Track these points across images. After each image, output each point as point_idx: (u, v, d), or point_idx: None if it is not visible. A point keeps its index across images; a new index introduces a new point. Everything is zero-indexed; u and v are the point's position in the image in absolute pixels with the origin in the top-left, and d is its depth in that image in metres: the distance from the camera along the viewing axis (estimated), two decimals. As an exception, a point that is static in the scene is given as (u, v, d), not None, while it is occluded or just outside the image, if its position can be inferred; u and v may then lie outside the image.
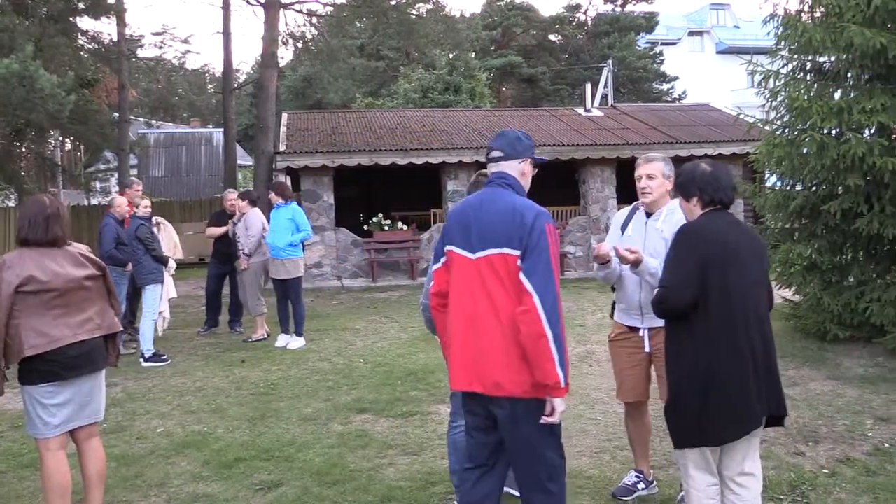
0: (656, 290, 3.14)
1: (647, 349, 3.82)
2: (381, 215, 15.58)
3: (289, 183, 13.19)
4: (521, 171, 3.13)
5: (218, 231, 9.57)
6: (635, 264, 3.59)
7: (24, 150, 21.05)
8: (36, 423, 3.58)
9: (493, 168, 3.15)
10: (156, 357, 7.90)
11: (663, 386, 3.52)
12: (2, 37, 12.75)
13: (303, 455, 4.87)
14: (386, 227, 15.34)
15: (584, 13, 40.11)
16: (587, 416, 5.53)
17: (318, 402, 6.19)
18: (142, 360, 7.94)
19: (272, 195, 8.80)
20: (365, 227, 15.61)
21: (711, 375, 2.98)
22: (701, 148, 15.27)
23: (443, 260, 3.13)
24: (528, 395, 2.86)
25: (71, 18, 17.10)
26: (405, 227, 15.52)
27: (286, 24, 18.89)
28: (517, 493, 3.17)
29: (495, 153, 3.13)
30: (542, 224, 2.87)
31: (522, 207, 2.94)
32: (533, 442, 2.91)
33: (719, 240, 3.06)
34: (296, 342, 8.58)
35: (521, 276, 2.83)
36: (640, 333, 3.85)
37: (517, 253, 2.86)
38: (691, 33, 48.56)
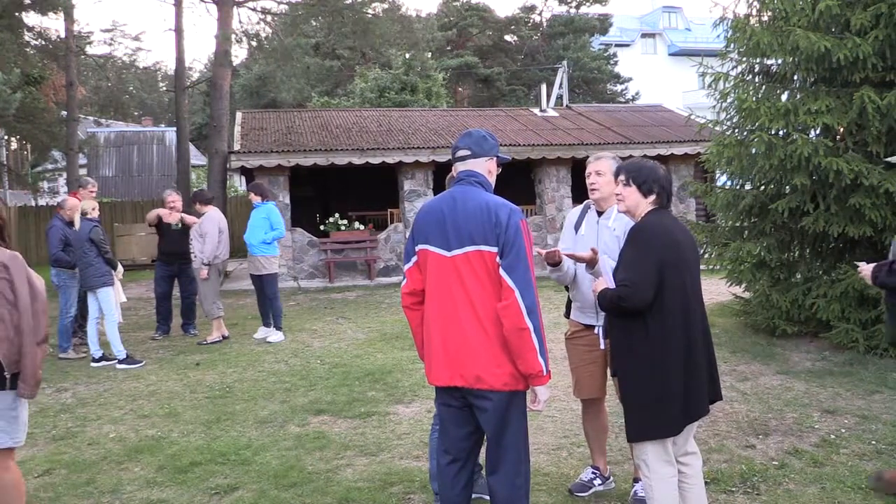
0: (611, 288, 3.18)
1: (602, 346, 3.87)
2: (337, 215, 15.49)
3: (244, 183, 13.04)
4: (487, 168, 3.20)
5: (153, 214, 9.23)
6: (591, 264, 3.63)
7: (-33, 149, 20.43)
8: None
9: (460, 167, 3.19)
10: (130, 359, 7.75)
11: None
12: (-57, 32, 12.36)
13: (259, 458, 4.82)
14: (343, 227, 15.27)
15: (540, 14, 40.48)
16: (544, 414, 5.57)
17: (275, 404, 6.13)
18: (92, 363, 7.78)
19: (251, 195, 9.13)
20: (321, 228, 15.51)
21: (667, 369, 3.07)
22: (654, 148, 15.54)
23: (414, 259, 3.18)
24: (508, 388, 2.98)
25: (17, 14, 16.63)
26: (362, 227, 15.46)
27: (240, 22, 18.71)
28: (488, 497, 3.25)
29: (462, 152, 3.18)
30: (516, 221, 2.97)
31: (496, 205, 3.01)
32: (508, 434, 3.03)
33: (671, 238, 3.16)
34: (275, 335, 8.88)
35: (502, 273, 2.93)
36: (596, 331, 3.90)
37: (495, 250, 2.95)
38: (644, 35, 49.38)
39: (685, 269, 3.16)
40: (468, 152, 3.17)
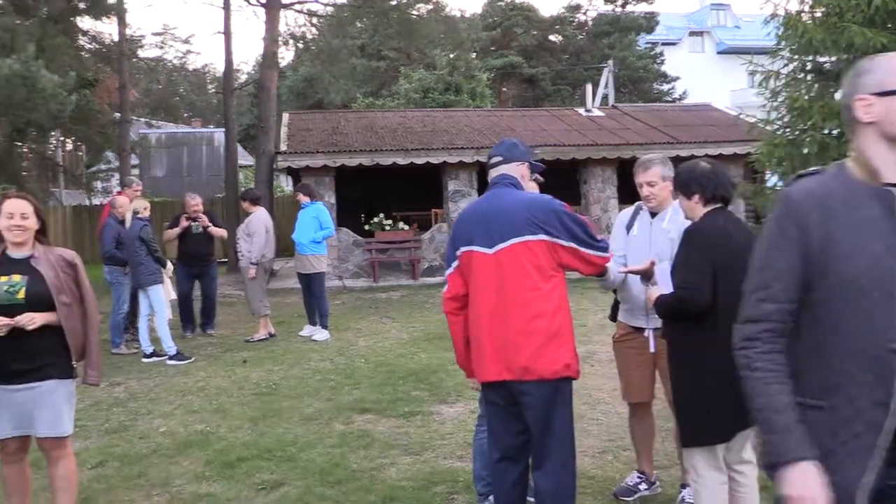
0: (668, 294, 3.12)
1: (652, 349, 3.81)
2: (382, 215, 15.58)
3: (290, 183, 13.20)
4: (520, 173, 3.34)
5: (174, 232, 9.29)
6: (647, 276, 3.52)
7: (25, 150, 21.06)
8: None
9: (494, 172, 3.36)
10: (180, 356, 7.91)
11: (669, 386, 3.52)
12: (3, 37, 12.76)
13: (305, 455, 4.88)
14: (387, 228, 15.35)
15: (585, 13, 40.13)
16: (589, 417, 5.53)
17: (320, 401, 6.19)
18: (143, 358, 7.97)
19: (300, 195, 9.27)
20: (366, 228, 15.61)
21: (721, 374, 2.99)
22: (702, 148, 15.26)
23: (455, 264, 3.27)
24: (556, 376, 3.06)
25: (72, 18, 17.11)
26: (406, 228, 15.52)
27: (287, 24, 18.86)
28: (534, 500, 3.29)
29: (496, 158, 3.37)
30: (559, 205, 3.15)
31: (534, 197, 3.22)
32: (554, 428, 3.08)
33: (725, 240, 3.07)
34: (321, 333, 8.95)
35: (583, 249, 3.10)
36: (646, 334, 3.84)
37: (539, 237, 3.07)
38: (692, 33, 48.60)
39: (741, 271, 3.06)
40: (500, 158, 3.34)
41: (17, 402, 3.46)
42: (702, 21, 49.46)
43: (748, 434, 3.19)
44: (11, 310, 3.38)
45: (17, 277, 3.44)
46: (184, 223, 9.21)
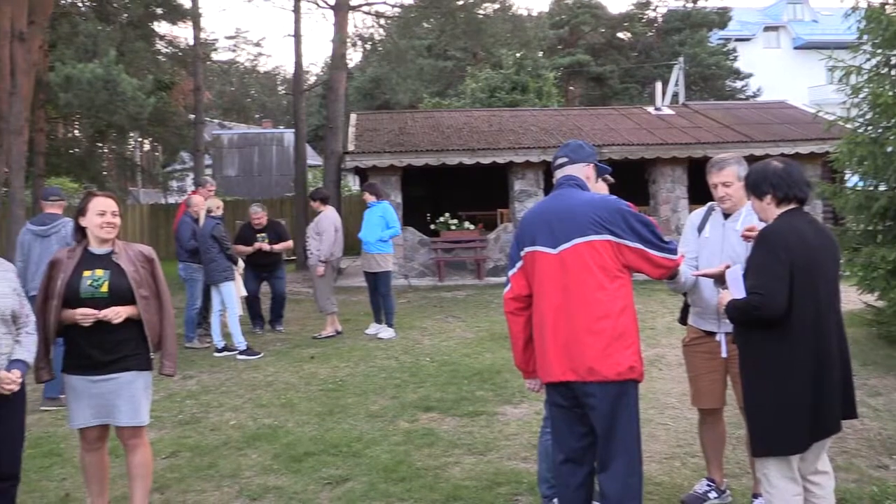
0: (740, 298, 3.03)
1: (724, 354, 3.71)
2: (447, 215, 15.62)
3: (357, 183, 13.36)
4: (585, 174, 3.33)
5: (245, 250, 9.36)
6: (721, 279, 3.40)
7: (106, 150, 21.96)
8: None
9: (559, 173, 3.36)
10: (250, 351, 8.11)
11: (741, 392, 3.41)
12: (86, 42, 13.34)
13: (370, 451, 4.93)
14: (453, 227, 15.38)
15: (654, 10, 39.39)
16: (657, 421, 5.42)
17: (385, 399, 6.25)
18: (215, 352, 8.19)
19: (366, 195, 9.30)
20: (432, 227, 15.68)
21: (795, 382, 2.89)
22: (777, 147, 14.79)
23: (519, 265, 3.26)
24: (622, 378, 3.01)
25: (150, 24, 17.75)
26: (472, 227, 15.52)
27: (355, 26, 19.15)
28: None
29: (561, 160, 3.37)
30: (625, 205, 3.11)
31: (599, 197, 3.19)
32: (619, 429, 3.03)
33: (802, 243, 2.96)
34: (386, 332, 9.00)
35: (650, 251, 3.05)
36: (717, 338, 3.74)
37: (605, 238, 3.04)
38: (767, 28, 47.05)
39: (819, 275, 2.95)
40: (566, 159, 3.34)
41: (99, 393, 3.61)
42: (777, 15, 47.86)
43: (824, 444, 3.07)
44: (95, 303, 3.54)
45: (99, 272, 3.59)
46: (256, 245, 9.35)
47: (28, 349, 3.44)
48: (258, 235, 9.45)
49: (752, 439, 3.05)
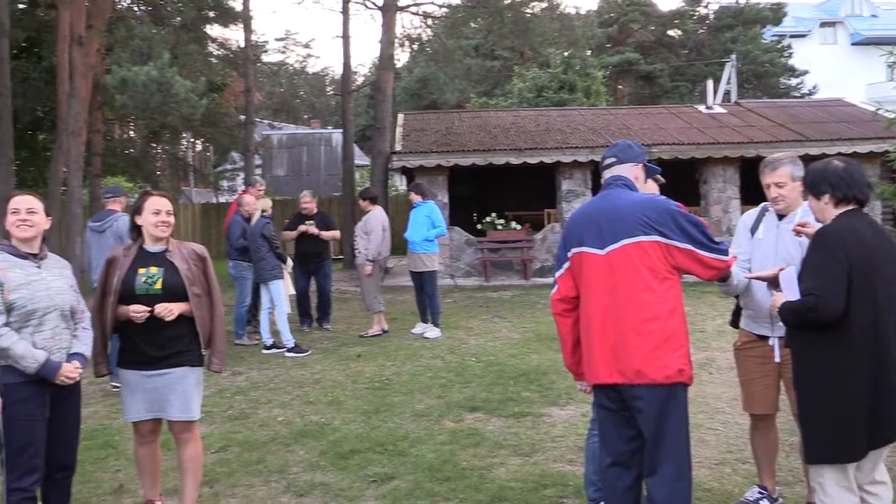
0: (794, 300, 2.95)
1: (777, 359, 3.62)
2: (494, 215, 15.59)
3: (404, 182, 13.42)
4: (634, 174, 3.29)
5: (291, 234, 9.61)
6: (775, 283, 3.33)
7: (159, 150, 22.50)
8: None
9: (607, 174, 3.32)
10: (297, 348, 8.21)
11: (794, 398, 3.33)
12: (141, 46, 13.66)
13: (415, 450, 4.94)
14: (499, 227, 15.35)
15: (706, 7, 38.66)
16: (706, 426, 5.32)
17: (431, 398, 6.26)
18: (264, 350, 8.31)
19: (412, 195, 9.36)
20: (478, 227, 15.67)
21: (851, 388, 2.80)
22: (834, 146, 14.39)
23: (566, 266, 3.24)
24: (670, 381, 2.95)
25: (202, 27, 18.10)
26: (519, 227, 15.46)
27: (402, 27, 19.20)
28: None
29: (609, 160, 3.33)
30: (674, 205, 3.06)
31: (647, 198, 3.14)
32: (668, 433, 2.98)
33: (860, 244, 2.87)
34: (432, 331, 9.03)
35: (700, 252, 2.98)
36: (770, 342, 3.65)
37: (654, 238, 2.99)
38: (823, 24, 45.75)
39: (878, 277, 2.85)
40: (614, 159, 3.30)
41: (152, 387, 3.70)
42: (834, 11, 46.50)
43: (882, 452, 2.97)
44: (149, 300, 3.63)
45: (154, 269, 3.68)
46: (301, 228, 9.53)
47: (85, 343, 3.57)
48: (307, 221, 9.60)
49: (807, 446, 2.97)
